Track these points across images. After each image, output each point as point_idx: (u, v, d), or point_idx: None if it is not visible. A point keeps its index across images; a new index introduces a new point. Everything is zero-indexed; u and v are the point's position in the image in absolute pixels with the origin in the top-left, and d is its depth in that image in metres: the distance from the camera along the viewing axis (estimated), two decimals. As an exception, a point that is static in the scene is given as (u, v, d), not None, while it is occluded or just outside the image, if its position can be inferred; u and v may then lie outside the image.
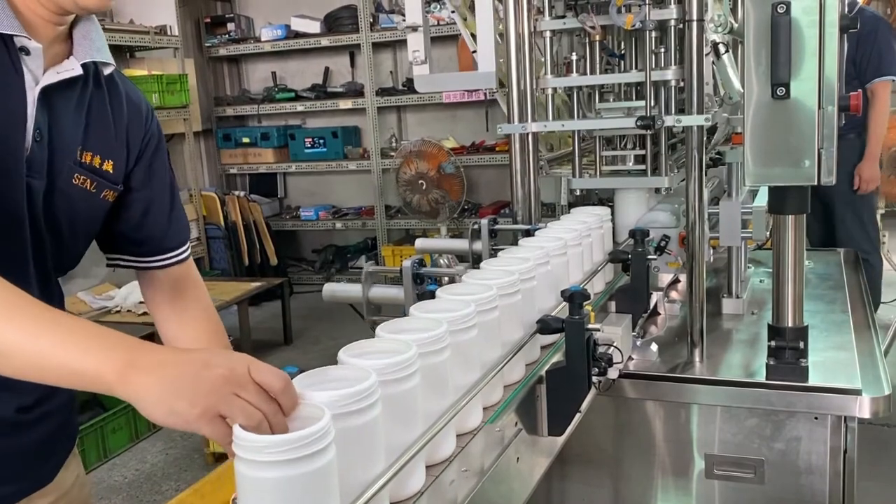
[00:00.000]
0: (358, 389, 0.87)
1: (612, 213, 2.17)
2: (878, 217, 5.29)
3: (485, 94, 5.95)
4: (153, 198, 1.35)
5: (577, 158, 2.18)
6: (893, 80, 4.10)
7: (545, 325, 1.37)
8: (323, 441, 0.78)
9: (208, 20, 7.23)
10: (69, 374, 0.88)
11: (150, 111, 1.38)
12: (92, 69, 1.22)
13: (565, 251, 1.67)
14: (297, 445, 0.76)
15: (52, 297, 1.24)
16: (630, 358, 1.88)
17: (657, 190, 2.19)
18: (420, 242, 2.19)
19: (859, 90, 1.59)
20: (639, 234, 1.87)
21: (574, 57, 2.12)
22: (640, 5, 1.95)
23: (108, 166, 1.25)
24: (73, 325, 0.91)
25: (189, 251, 1.43)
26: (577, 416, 1.43)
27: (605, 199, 2.46)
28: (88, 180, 1.22)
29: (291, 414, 0.84)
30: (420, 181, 6.11)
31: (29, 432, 1.25)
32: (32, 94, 1.13)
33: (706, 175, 1.91)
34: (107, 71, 1.25)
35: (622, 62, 2.25)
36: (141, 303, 4.81)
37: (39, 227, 1.17)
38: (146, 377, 0.84)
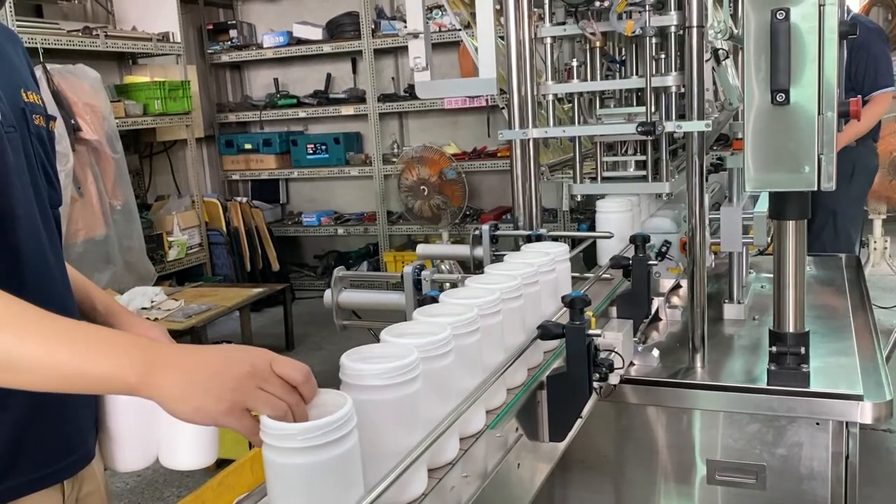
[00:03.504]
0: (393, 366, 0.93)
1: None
2: (878, 227, 5.27)
3: (486, 100, 5.97)
4: None
5: (577, 164, 2.19)
6: (891, 90, 4.01)
7: (546, 331, 1.37)
8: (347, 427, 0.82)
9: (210, 27, 7.25)
10: (92, 382, 0.89)
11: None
12: None
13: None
14: (323, 432, 0.81)
15: (53, 234, 1.25)
16: (631, 363, 1.88)
17: (658, 195, 2.20)
18: (421, 248, 2.20)
19: (859, 96, 1.60)
20: (640, 240, 1.87)
21: (575, 63, 2.13)
22: (640, 12, 1.95)
23: (39, 99, 1.27)
24: (87, 332, 0.92)
25: None
26: (579, 422, 1.43)
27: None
28: (40, 116, 1.24)
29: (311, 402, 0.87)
30: (422, 187, 6.11)
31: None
32: None
33: (707, 180, 1.91)
34: None
35: (623, 68, 2.26)
36: (143, 308, 4.81)
37: (34, 173, 1.20)
38: (169, 375, 0.85)
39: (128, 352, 0.88)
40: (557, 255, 1.62)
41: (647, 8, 1.93)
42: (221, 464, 3.62)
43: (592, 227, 2.30)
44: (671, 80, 1.98)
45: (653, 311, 2.01)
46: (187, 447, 1.12)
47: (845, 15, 1.56)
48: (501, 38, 2.18)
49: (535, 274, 1.48)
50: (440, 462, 1.10)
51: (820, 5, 1.50)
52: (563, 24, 2.12)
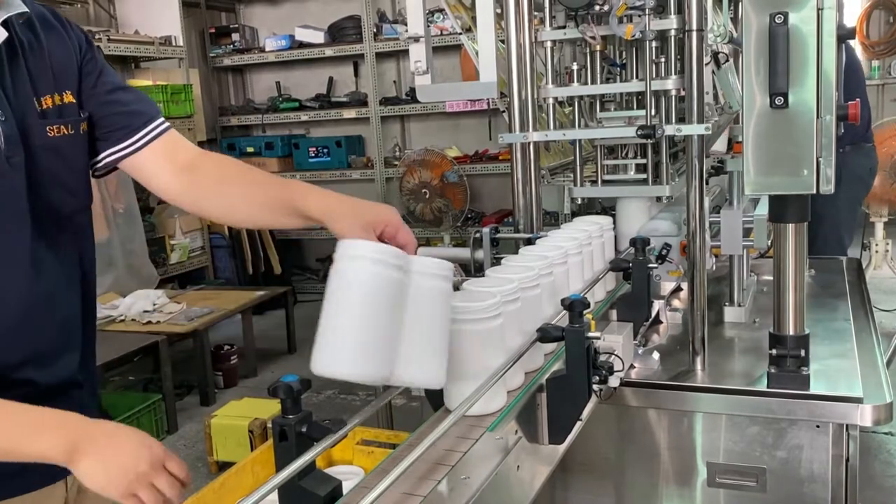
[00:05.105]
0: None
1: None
2: (879, 230, 5.24)
3: (488, 104, 5.97)
4: (108, 75, 1.34)
5: (578, 167, 2.19)
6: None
7: (545, 334, 1.37)
8: (498, 309, 1.30)
9: (213, 30, 7.27)
10: (27, 458, 1.06)
11: (66, 23, 1.33)
12: (11, 21, 1.19)
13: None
14: (489, 308, 1.28)
15: (60, 245, 1.27)
16: (632, 366, 1.88)
17: (658, 198, 2.20)
18: (421, 251, 2.20)
19: (857, 99, 1.60)
20: (640, 243, 1.87)
21: (575, 66, 2.13)
22: (640, 15, 1.96)
23: (68, 97, 1.25)
24: (17, 414, 1.07)
25: (166, 122, 1.38)
26: (579, 425, 1.43)
27: (608, 207, 2.47)
28: (63, 126, 1.22)
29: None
30: (423, 190, 6.12)
31: (89, 387, 1.36)
32: None
33: (707, 184, 1.92)
34: (21, 19, 1.20)
35: (623, 72, 2.26)
36: (146, 311, 4.81)
37: (33, 196, 1.19)
38: (90, 463, 1.06)
39: (55, 437, 1.05)
40: (605, 225, 2.03)
41: (647, 11, 1.94)
42: (223, 466, 3.62)
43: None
44: (671, 84, 1.98)
45: (653, 313, 2.02)
46: (430, 364, 1.16)
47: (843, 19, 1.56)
48: (502, 41, 2.19)
49: (590, 237, 1.88)
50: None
51: (818, 9, 1.50)
52: (564, 27, 2.13)
